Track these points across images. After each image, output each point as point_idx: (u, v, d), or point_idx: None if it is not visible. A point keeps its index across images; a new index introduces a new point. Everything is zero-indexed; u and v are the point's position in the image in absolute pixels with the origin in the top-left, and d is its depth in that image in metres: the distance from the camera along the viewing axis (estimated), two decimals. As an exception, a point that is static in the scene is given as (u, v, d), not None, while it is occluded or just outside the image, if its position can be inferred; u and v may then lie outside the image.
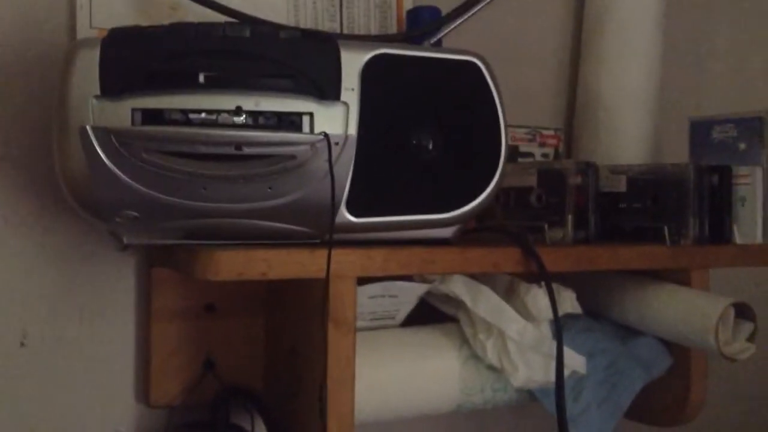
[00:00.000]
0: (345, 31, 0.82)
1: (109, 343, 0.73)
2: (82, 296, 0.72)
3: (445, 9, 0.80)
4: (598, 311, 0.78)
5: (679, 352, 0.76)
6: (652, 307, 0.74)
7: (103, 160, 0.53)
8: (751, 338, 0.71)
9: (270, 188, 0.56)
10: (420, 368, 0.67)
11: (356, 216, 0.59)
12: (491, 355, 0.67)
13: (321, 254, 0.57)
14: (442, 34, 0.76)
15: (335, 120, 0.57)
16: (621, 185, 0.76)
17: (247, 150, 0.55)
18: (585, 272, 0.70)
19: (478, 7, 0.78)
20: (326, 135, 0.56)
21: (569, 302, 0.69)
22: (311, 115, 0.56)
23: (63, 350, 0.71)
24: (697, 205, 0.73)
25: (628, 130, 0.90)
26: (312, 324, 0.61)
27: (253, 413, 0.69)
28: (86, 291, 0.72)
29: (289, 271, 0.56)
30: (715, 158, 0.82)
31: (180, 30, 0.56)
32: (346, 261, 0.58)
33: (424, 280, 0.69)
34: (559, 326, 0.65)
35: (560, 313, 0.66)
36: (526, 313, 0.67)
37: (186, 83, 0.55)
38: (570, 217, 0.72)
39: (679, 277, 0.75)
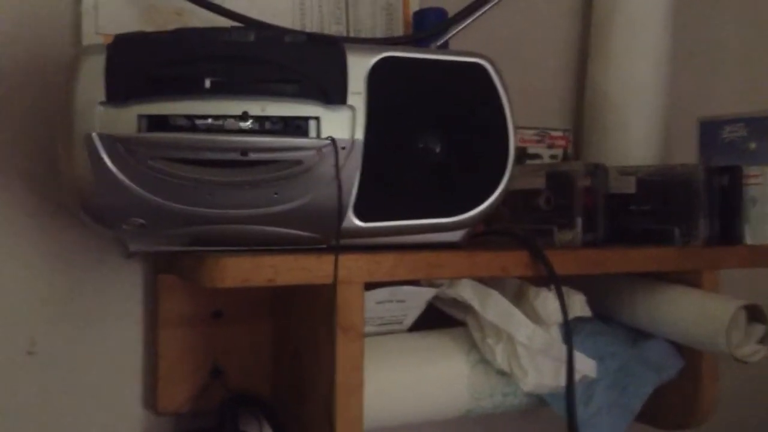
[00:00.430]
0: (351, 34, 0.81)
1: (117, 350, 0.73)
2: (89, 303, 0.72)
3: (451, 10, 0.79)
4: (607, 314, 0.78)
5: (689, 354, 0.76)
6: (662, 309, 0.74)
7: (108, 167, 0.53)
8: (762, 340, 0.70)
9: (276, 194, 0.56)
10: (429, 373, 0.67)
11: (363, 221, 0.59)
12: (501, 360, 0.67)
13: (328, 260, 0.56)
14: (448, 36, 0.76)
15: (342, 124, 0.57)
16: (630, 187, 0.76)
17: (253, 155, 0.54)
18: (594, 275, 0.69)
19: (485, 8, 0.78)
20: (333, 140, 0.56)
21: (579, 305, 0.68)
22: (317, 119, 0.56)
23: (70, 358, 0.71)
24: (707, 206, 0.73)
25: (637, 130, 0.89)
26: (319, 330, 0.61)
27: (261, 420, 0.69)
28: (93, 298, 0.72)
29: (295, 277, 0.56)
30: (724, 158, 0.81)
31: (185, 35, 0.56)
32: (354, 266, 0.58)
33: (431, 285, 0.68)
34: (569, 330, 0.64)
35: (570, 316, 0.66)
36: (535, 317, 0.67)
37: (192, 89, 0.54)
38: (579, 220, 0.71)
39: (690, 279, 0.75)
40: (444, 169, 0.61)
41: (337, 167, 0.56)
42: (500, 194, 0.62)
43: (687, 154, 0.88)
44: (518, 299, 0.69)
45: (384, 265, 0.59)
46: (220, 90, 0.55)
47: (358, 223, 0.59)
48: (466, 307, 0.68)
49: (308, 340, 0.65)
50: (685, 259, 0.72)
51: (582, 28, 0.97)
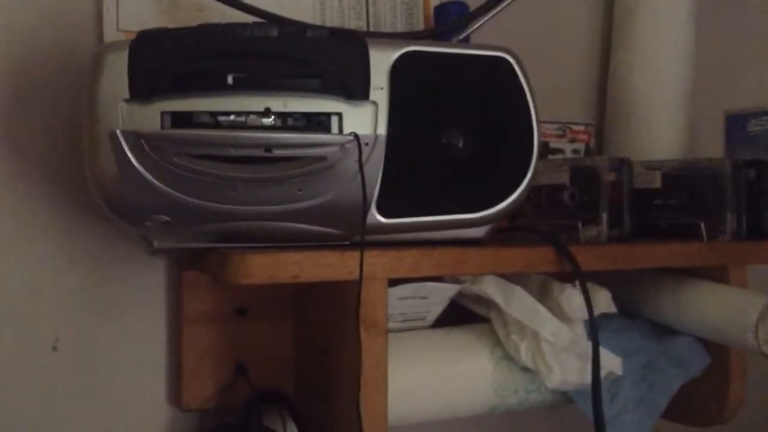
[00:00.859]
0: (371, 29, 0.81)
1: (141, 346, 0.73)
2: (113, 300, 0.72)
3: (472, 4, 0.79)
4: (632, 310, 0.77)
5: (716, 350, 0.75)
6: (688, 305, 0.73)
7: (133, 164, 0.53)
8: (791, 336, 0.69)
9: (300, 190, 0.56)
10: (452, 370, 0.66)
11: (386, 217, 0.58)
12: (525, 357, 0.66)
13: (352, 256, 0.56)
14: (470, 30, 0.75)
15: (364, 120, 0.56)
16: (656, 181, 0.75)
17: (276, 152, 0.54)
18: (619, 271, 0.68)
19: (507, 1, 0.77)
20: (356, 135, 0.55)
21: (604, 302, 0.68)
22: (340, 115, 0.56)
23: (94, 354, 0.71)
24: (734, 200, 0.72)
25: (662, 124, 0.88)
26: (342, 326, 0.61)
27: (285, 416, 0.69)
28: (118, 295, 0.72)
29: (320, 273, 0.55)
30: (751, 152, 0.80)
31: (207, 31, 0.56)
32: (378, 262, 0.57)
33: (455, 281, 0.68)
34: (595, 326, 0.64)
35: (595, 312, 0.65)
36: (560, 314, 0.66)
37: (214, 85, 0.54)
38: (604, 215, 0.70)
39: (717, 275, 0.73)
40: (467, 165, 0.60)
41: (360, 163, 0.55)
42: (524, 190, 0.61)
43: (710, 147, 0.87)
44: (542, 295, 0.68)
45: (407, 261, 0.59)
46: (243, 86, 0.54)
47: (380, 219, 0.58)
48: (490, 304, 0.68)
49: (331, 336, 0.65)
50: (712, 255, 0.71)
51: (605, 22, 0.96)
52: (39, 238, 0.69)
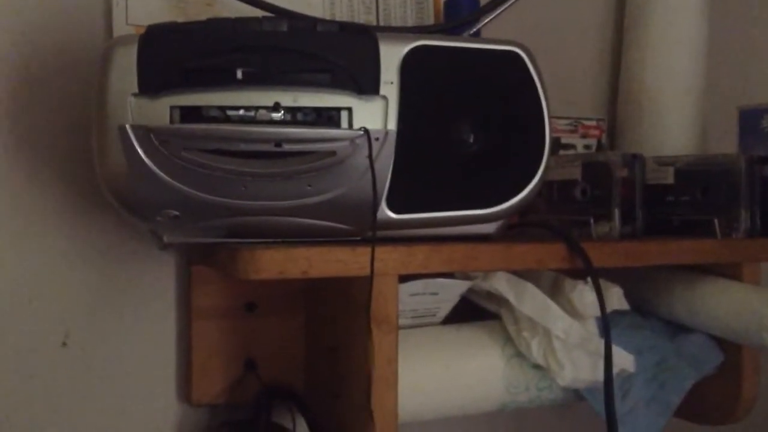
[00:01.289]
0: (381, 24, 0.81)
1: (151, 341, 0.73)
2: (123, 295, 0.72)
3: (483, -2, 0.78)
4: (644, 307, 0.76)
5: (729, 348, 0.74)
6: (701, 302, 0.72)
7: (142, 159, 0.53)
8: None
9: (310, 185, 0.55)
10: (463, 367, 0.66)
11: (397, 212, 0.58)
12: (536, 354, 0.65)
13: (362, 252, 0.56)
14: (481, 24, 0.75)
15: (374, 115, 0.56)
16: (668, 177, 0.74)
17: (286, 147, 0.54)
18: (631, 267, 0.68)
19: (518, -5, 0.76)
20: (366, 130, 0.55)
21: (616, 299, 0.67)
22: (350, 110, 0.55)
23: (104, 349, 0.71)
24: (748, 196, 0.71)
25: (674, 119, 0.87)
26: (352, 322, 0.60)
27: (295, 412, 0.69)
28: (127, 290, 0.72)
29: (330, 269, 0.55)
30: (765, 148, 0.79)
31: (217, 26, 0.55)
32: (388, 258, 0.57)
33: (465, 277, 0.67)
34: (607, 323, 0.63)
35: (607, 310, 0.64)
36: (572, 311, 0.66)
37: (224, 80, 0.54)
38: (617, 211, 0.70)
39: (730, 272, 0.73)
40: (478, 160, 0.60)
41: (371, 158, 0.55)
42: (536, 185, 0.61)
43: (724, 143, 0.86)
44: (554, 292, 0.68)
45: (418, 257, 0.58)
46: (252, 81, 0.54)
47: (391, 214, 0.58)
48: (501, 300, 0.67)
49: (341, 333, 0.64)
50: (726, 252, 0.70)
51: (617, 17, 0.95)
52: (49, 234, 0.69)
